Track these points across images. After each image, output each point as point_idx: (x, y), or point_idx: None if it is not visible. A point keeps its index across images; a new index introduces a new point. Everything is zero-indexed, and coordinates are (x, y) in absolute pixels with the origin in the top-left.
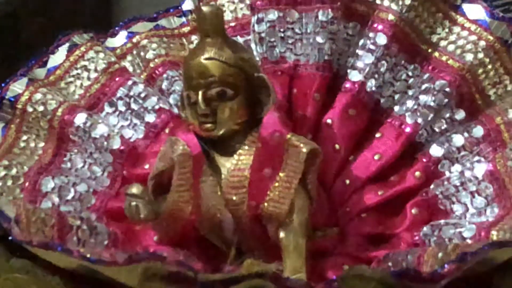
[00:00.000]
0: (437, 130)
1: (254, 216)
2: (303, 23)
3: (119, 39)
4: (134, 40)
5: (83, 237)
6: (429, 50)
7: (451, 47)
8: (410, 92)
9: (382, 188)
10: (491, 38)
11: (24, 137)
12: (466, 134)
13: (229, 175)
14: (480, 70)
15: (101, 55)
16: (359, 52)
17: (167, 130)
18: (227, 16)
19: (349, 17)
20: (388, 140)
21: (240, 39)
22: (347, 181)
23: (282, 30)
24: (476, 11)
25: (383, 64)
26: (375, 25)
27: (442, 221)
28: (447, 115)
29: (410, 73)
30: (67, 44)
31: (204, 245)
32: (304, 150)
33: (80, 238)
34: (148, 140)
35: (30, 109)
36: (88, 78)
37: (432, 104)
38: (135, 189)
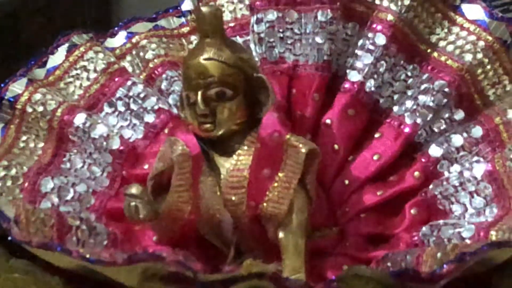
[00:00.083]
0: (436, 130)
1: (253, 216)
2: (302, 24)
3: (118, 40)
4: (134, 40)
5: (83, 237)
6: (428, 50)
7: (450, 47)
8: (409, 92)
9: (381, 188)
10: (490, 38)
11: (24, 138)
12: (465, 134)
13: (228, 175)
14: (479, 70)
15: (101, 55)
16: (358, 52)
17: (166, 130)
18: (226, 16)
19: (348, 18)
20: (387, 140)
21: (239, 40)
22: (346, 181)
23: (281, 30)
24: (475, 11)
25: (382, 64)
26: (374, 26)
27: (441, 221)
28: (446, 115)
29: (409, 73)
30: (67, 45)
31: (203, 245)
32: (303, 150)
33: (79, 238)
34: (147, 140)
35: (29, 110)
36: (88, 79)
37: (431, 104)
38: (134, 189)
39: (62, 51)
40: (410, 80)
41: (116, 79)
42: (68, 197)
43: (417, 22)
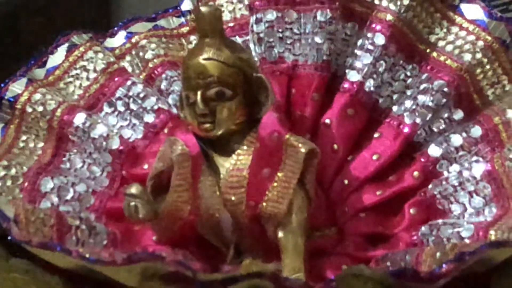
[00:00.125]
0: (435, 130)
1: (252, 216)
2: (301, 23)
3: (118, 39)
4: (133, 40)
5: (82, 237)
6: (427, 50)
7: (449, 47)
8: (409, 92)
9: (380, 188)
10: (489, 38)
11: (23, 137)
12: (464, 134)
13: (228, 175)
14: (478, 70)
15: (100, 55)
16: (358, 52)
17: (166, 130)
18: (226, 16)
19: (348, 18)
20: (387, 140)
21: (238, 39)
22: (346, 181)
23: (280, 30)
24: (474, 11)
25: (381, 64)
26: (373, 25)
27: (440, 221)
28: (446, 115)
29: (408, 73)
30: (66, 44)
31: (203, 245)
32: (303, 150)
33: (79, 238)
34: (147, 140)
35: (29, 109)
36: (87, 78)
37: (430, 104)
38: (134, 189)
39: (61, 51)
40: (409, 80)
41: (116, 79)
42: (68, 197)
43: (416, 22)
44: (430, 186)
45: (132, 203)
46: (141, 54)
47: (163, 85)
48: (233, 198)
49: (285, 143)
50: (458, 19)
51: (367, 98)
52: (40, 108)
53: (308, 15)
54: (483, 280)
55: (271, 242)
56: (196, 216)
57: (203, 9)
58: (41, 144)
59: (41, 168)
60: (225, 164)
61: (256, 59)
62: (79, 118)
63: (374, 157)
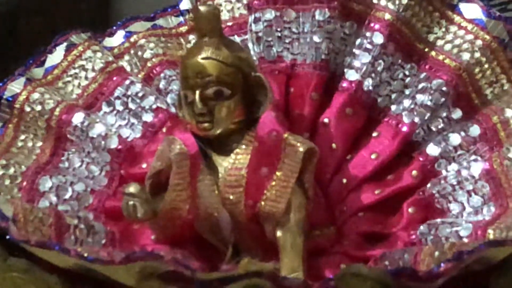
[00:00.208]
0: (434, 129)
1: (251, 215)
2: (300, 23)
3: (116, 39)
4: (132, 39)
5: (81, 236)
6: (426, 49)
7: (447, 46)
8: (407, 91)
9: (379, 187)
10: (487, 37)
11: (22, 137)
12: (462, 133)
13: (226, 174)
14: (477, 69)
15: (99, 54)
16: (356, 51)
17: (164, 130)
18: (225, 15)
19: (346, 17)
20: (385, 139)
21: (237, 39)
22: (344, 180)
23: (279, 29)
24: (472, 10)
25: (380, 63)
26: (372, 25)
27: (438, 220)
28: (444, 114)
29: (407, 72)
30: (65, 44)
31: (201, 244)
32: (301, 149)
33: (77, 237)
34: (145, 139)
35: (28, 109)
36: (86, 78)
37: (429, 103)
38: (132, 188)
39: (60, 50)
40: (408, 79)
41: (114, 78)
42: (66, 196)
43: (415, 21)
44: (428, 185)
45: (131, 202)
46: (139, 53)
47: (161, 84)
48: (231, 197)
49: (284, 142)
50: (456, 18)
51: (365, 97)
52: (39, 108)
53: (306, 14)
54: (482, 279)
55: (270, 241)
56: (194, 215)
57: (202, 8)
58: (39, 144)
59: (39, 167)
60: (224, 163)
61: (254, 58)
62: (78, 118)
63: (373, 156)
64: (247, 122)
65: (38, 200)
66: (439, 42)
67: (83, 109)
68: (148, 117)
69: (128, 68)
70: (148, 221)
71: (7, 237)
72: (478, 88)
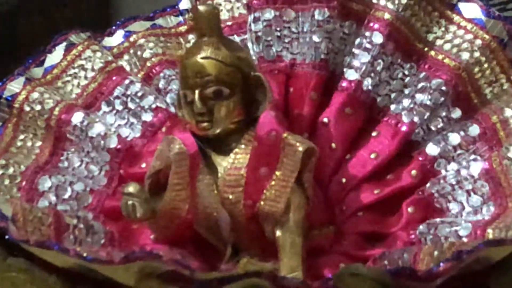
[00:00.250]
0: (433, 128)
1: (250, 215)
2: (299, 22)
3: (116, 38)
4: (131, 39)
5: (80, 236)
6: (425, 49)
7: (447, 46)
8: (407, 91)
9: (378, 187)
10: (487, 37)
11: (21, 136)
12: (462, 133)
13: (226, 174)
14: (476, 69)
15: (98, 54)
16: (356, 51)
17: (164, 129)
18: (224, 15)
19: (345, 16)
20: (385, 139)
21: (237, 38)
22: (344, 180)
23: (278, 29)
24: (472, 10)
25: (379, 63)
26: (371, 24)
27: (438, 220)
28: (443, 113)
29: (406, 72)
30: (64, 43)
31: (200, 244)
32: (300, 149)
33: (76, 237)
34: (145, 139)
35: (27, 108)
36: (85, 77)
37: (428, 102)
38: (131, 188)
39: (59, 50)
40: (407, 79)
41: (114, 78)
42: (66, 196)
43: (414, 20)
44: (428, 184)
45: (130, 202)
46: (139, 53)
47: (161, 84)
48: (231, 197)
49: (283, 141)
50: (456, 17)
51: (365, 97)
52: (38, 107)
53: (306, 14)
54: (481, 278)
55: (269, 241)
56: (194, 215)
57: (201, 8)
58: (39, 143)
59: (39, 167)
60: (223, 163)
61: (254, 58)
62: (77, 117)
63: (372, 156)
64: (247, 121)
65: (38, 199)
66: (439, 42)
67: (83, 108)
68: (147, 117)
69: (127, 68)
70: (147, 221)
71: (7, 237)
72: (478, 88)
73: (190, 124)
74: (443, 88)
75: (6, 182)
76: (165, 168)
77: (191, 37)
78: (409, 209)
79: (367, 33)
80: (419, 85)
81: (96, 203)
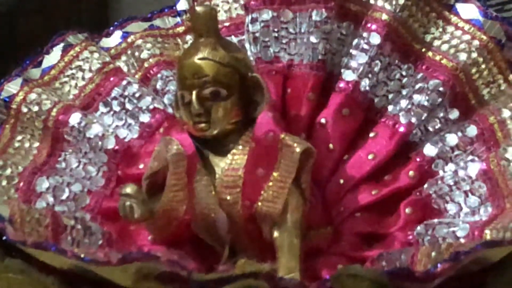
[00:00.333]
0: (431, 129)
1: (248, 216)
2: (297, 23)
3: (113, 39)
4: (129, 40)
5: (77, 237)
6: (423, 50)
7: (444, 47)
8: (404, 92)
9: (376, 188)
10: (484, 37)
11: (19, 137)
12: (459, 134)
13: (223, 174)
14: (474, 70)
15: (96, 55)
16: (353, 51)
17: (161, 130)
18: (222, 16)
19: (343, 17)
20: (382, 139)
21: (234, 39)
22: (341, 181)
23: (276, 30)
24: (469, 11)
25: (376, 63)
26: (369, 25)
27: (435, 220)
28: (441, 114)
29: (404, 73)
30: (62, 44)
31: (198, 244)
32: (298, 150)
33: (74, 238)
34: (142, 140)
35: (24, 109)
36: (83, 78)
37: (426, 103)
38: (129, 189)
39: (57, 51)
40: (404, 80)
41: (111, 79)
42: (63, 197)
43: (412, 21)
44: (425, 185)
45: (128, 203)
46: (136, 53)
47: (158, 85)
48: (228, 197)
49: (281, 142)
50: (453, 18)
51: (362, 97)
52: (36, 108)
53: (303, 15)
54: (478, 279)
55: (267, 242)
56: (191, 215)
57: (199, 9)
58: (36, 144)
59: (36, 168)
60: (221, 164)
61: (251, 58)
62: (75, 118)
63: (370, 157)
64: (244, 122)
65: (35, 200)
66: (436, 43)
67: (80, 109)
68: (145, 118)
69: (125, 69)
70: (145, 222)
71: (4, 238)
72: (475, 89)
73: (188, 125)
74: (441, 89)
75: (4, 183)
76: (163, 169)
77: (189, 38)
78: (407, 210)
79: (365, 34)
80: (417, 86)
81: (93, 204)
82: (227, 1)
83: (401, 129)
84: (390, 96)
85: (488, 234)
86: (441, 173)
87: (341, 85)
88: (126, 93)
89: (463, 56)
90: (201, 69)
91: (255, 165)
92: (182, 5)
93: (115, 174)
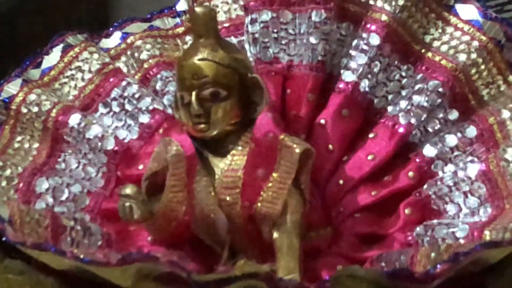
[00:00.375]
0: (430, 130)
1: (247, 217)
2: (296, 24)
3: (113, 40)
4: (128, 40)
5: (77, 237)
6: (422, 51)
7: (444, 48)
8: (404, 93)
9: (375, 188)
10: (484, 38)
11: (19, 138)
12: (459, 134)
13: (223, 175)
14: (473, 71)
15: (95, 56)
16: (352, 52)
17: (161, 131)
18: (221, 16)
19: (342, 18)
20: (382, 140)
21: (234, 40)
22: (341, 181)
23: (275, 30)
24: (469, 12)
25: (376, 64)
26: (368, 26)
27: (435, 221)
28: (440, 115)
29: (403, 74)
30: (61, 45)
31: (197, 245)
32: (297, 150)
33: (74, 238)
34: (142, 140)
35: (24, 110)
36: (82, 79)
37: (425, 104)
38: (129, 189)
39: (57, 51)
40: (404, 80)
41: (111, 80)
42: (63, 198)
43: (411, 22)
44: (425, 186)
45: (127, 204)
46: (136, 54)
47: (158, 86)
48: (228, 198)
49: (280, 143)
50: (453, 19)
51: (362, 98)
52: (35, 109)
53: (303, 16)
54: (478, 280)
55: (266, 243)
56: (191, 216)
57: (198, 9)
58: (36, 145)
59: (36, 168)
60: (220, 165)
61: (251, 59)
62: (74, 119)
63: (369, 157)
64: (244, 123)
65: (35, 201)
66: (436, 43)
67: (80, 110)
68: (144, 119)
69: (124, 69)
70: (145, 223)
71: (3, 238)
72: (475, 89)
73: (187, 126)
74: (440, 89)
75: (3, 183)
76: (162, 170)
77: (188, 38)
78: (406, 211)
79: (364, 35)
80: (416, 87)
81: (93, 205)
82: (227, 2)
83: (401, 129)
84: (390, 96)
85: (487, 235)
86: (440, 173)
87: (341, 85)
88: (125, 94)
89: (462, 57)
90: (200, 70)
91: (255, 165)
92: (181, 6)
93: (115, 175)
